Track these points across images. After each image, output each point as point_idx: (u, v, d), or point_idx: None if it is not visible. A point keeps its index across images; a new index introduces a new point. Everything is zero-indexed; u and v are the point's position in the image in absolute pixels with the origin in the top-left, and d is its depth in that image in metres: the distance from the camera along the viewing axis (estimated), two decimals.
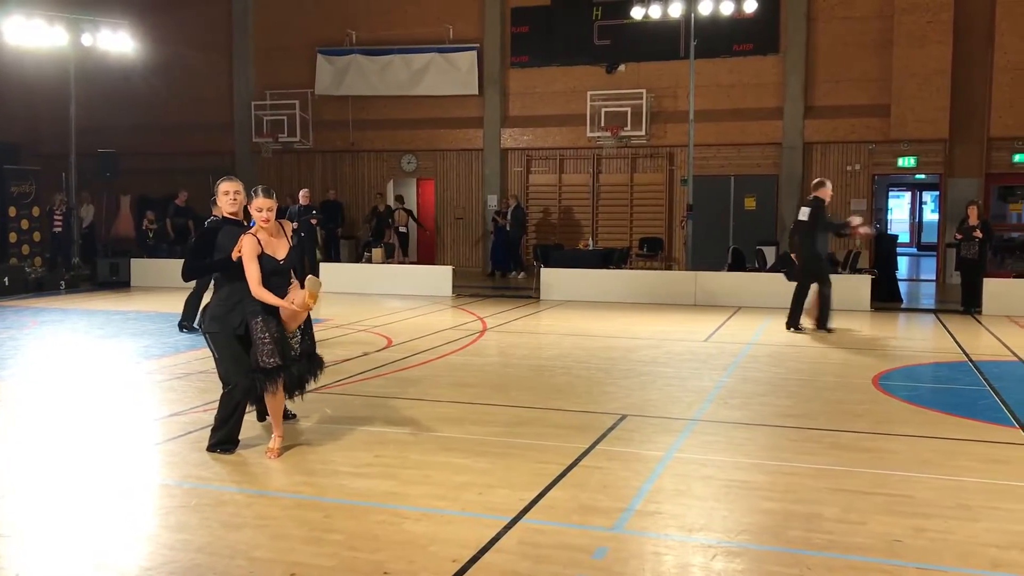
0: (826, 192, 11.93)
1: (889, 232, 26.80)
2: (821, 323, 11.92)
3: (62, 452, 6.15)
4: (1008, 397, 7.96)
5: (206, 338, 6.16)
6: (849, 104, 19.69)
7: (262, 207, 5.86)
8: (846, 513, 4.96)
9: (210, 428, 6.20)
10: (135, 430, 6.78)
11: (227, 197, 6.19)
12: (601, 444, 6.35)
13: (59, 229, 19.10)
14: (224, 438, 6.10)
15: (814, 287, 11.96)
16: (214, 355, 6.16)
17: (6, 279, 16.57)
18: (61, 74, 19.53)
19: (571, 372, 9.13)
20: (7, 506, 5.04)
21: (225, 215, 6.28)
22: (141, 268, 18.29)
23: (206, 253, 6.18)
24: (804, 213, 11.95)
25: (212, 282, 6.32)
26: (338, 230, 21.80)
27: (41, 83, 21.36)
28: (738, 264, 16.96)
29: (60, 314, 13.92)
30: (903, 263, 24.95)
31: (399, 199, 21.91)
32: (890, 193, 30.96)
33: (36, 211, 19.07)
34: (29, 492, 5.29)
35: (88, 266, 18.73)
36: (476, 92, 22.05)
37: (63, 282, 17.63)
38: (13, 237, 18.53)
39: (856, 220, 12.43)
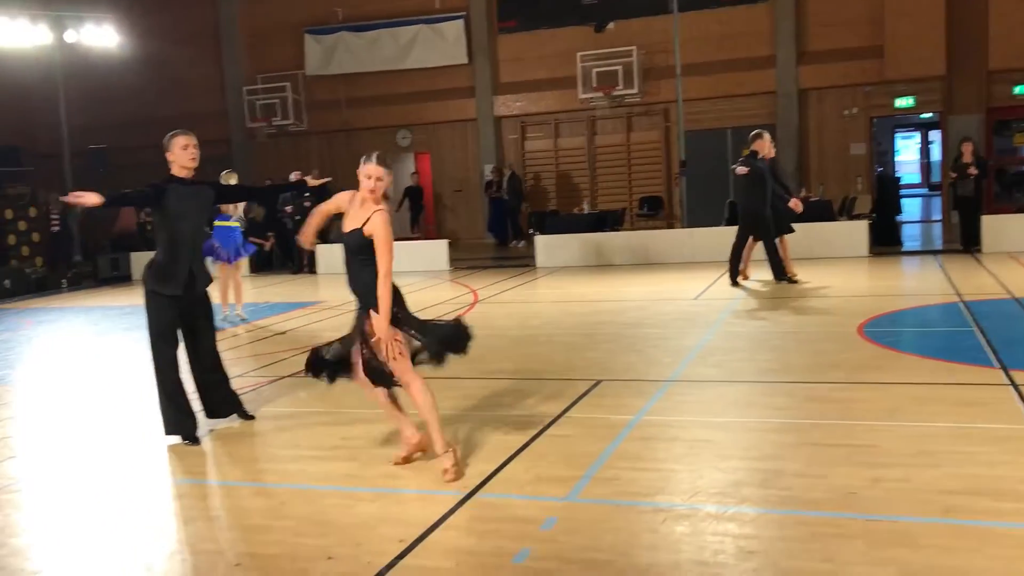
0: (762, 144, 11.62)
1: (895, 175, 26.52)
2: (778, 274, 11.80)
3: (26, 451, 6.18)
4: (993, 336, 7.81)
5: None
6: (842, 47, 19.33)
7: (371, 174, 5.00)
8: (807, 467, 4.89)
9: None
10: (97, 427, 6.80)
11: (186, 152, 5.91)
12: (571, 411, 6.29)
13: (57, 228, 19.21)
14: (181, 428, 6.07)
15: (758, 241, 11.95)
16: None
17: (7, 281, 16.71)
18: (50, 73, 19.55)
19: (553, 340, 9.08)
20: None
21: (174, 173, 5.95)
22: (140, 261, 18.30)
23: (134, 198, 6.11)
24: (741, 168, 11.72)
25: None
26: None
27: (32, 84, 21.38)
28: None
29: (58, 313, 14.03)
30: (912, 205, 24.64)
31: (414, 176, 21.87)
32: (897, 134, 30.50)
33: (33, 212, 19.15)
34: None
35: (89, 263, 18.85)
36: (465, 61, 21.87)
37: (64, 281, 17.76)
38: (12, 239, 18.65)
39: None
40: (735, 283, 11.95)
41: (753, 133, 11.85)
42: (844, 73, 19.42)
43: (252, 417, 6.60)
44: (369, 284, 5.02)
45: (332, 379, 5.37)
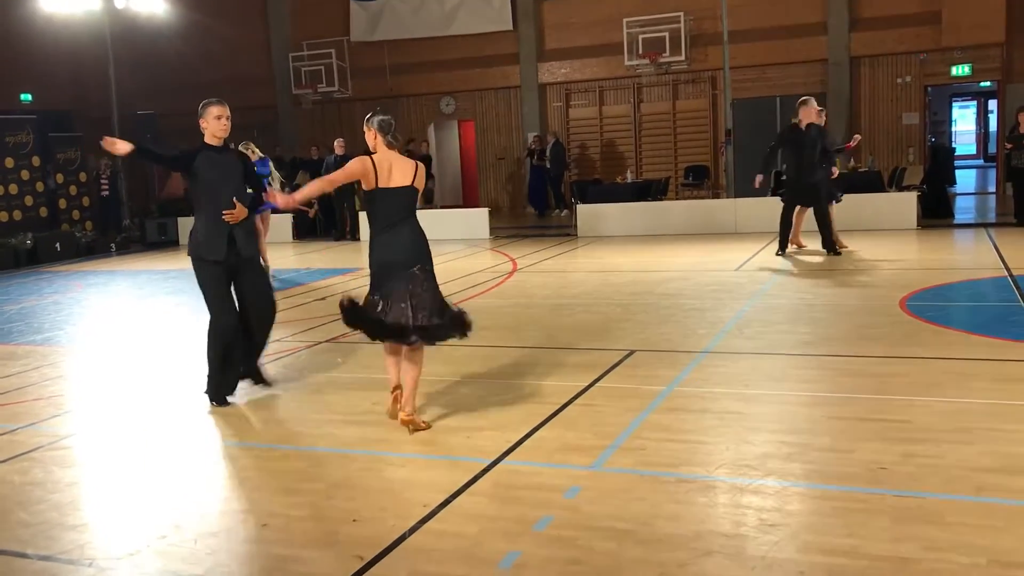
0: (807, 112, 11.55)
1: (951, 145, 25.84)
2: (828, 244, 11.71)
3: (72, 409, 6.36)
4: None
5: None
6: (897, 14, 18.80)
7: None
8: (835, 442, 4.84)
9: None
10: (140, 388, 6.95)
11: (219, 122, 6.02)
12: (602, 381, 6.29)
13: (106, 193, 19.56)
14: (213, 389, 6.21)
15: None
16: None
17: (58, 244, 17.10)
18: (100, 39, 19.81)
19: (590, 310, 9.05)
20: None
21: (207, 141, 6.07)
22: (187, 227, 18.57)
23: (163, 158, 6.39)
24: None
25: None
26: None
27: (83, 50, 21.66)
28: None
29: (107, 276, 14.34)
30: (967, 176, 24.02)
31: (423, 144, 21.92)
32: (953, 103, 29.66)
33: (83, 176, 19.52)
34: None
35: (137, 228, 19.20)
36: (510, 27, 21.68)
37: (113, 245, 18.12)
38: (63, 203, 19.03)
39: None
40: (783, 252, 11.84)
41: (800, 100, 11.78)
42: (898, 40, 18.91)
43: (269, 384, 6.59)
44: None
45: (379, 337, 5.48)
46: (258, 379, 6.55)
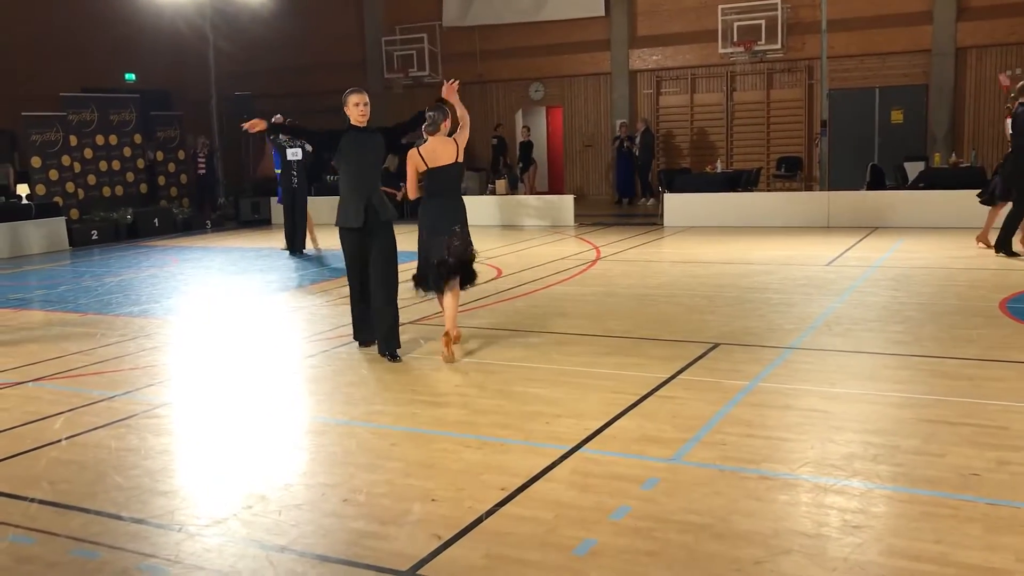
0: None
1: None
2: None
3: (167, 380, 6.60)
4: None
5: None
6: (1008, 2, 18.01)
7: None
8: (925, 444, 4.69)
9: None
10: (232, 360, 7.16)
11: (357, 108, 6.69)
12: (684, 374, 6.22)
13: (203, 171, 20.16)
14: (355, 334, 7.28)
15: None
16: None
17: (156, 220, 17.73)
18: (200, 21, 20.39)
19: (673, 300, 8.96)
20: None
21: (353, 124, 6.74)
22: (279, 206, 19.03)
23: (309, 134, 7.73)
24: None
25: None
26: None
27: (183, 31, 22.34)
28: (877, 182, 16.02)
29: (202, 252, 14.79)
30: None
31: (526, 130, 21.92)
32: None
33: (182, 154, 20.14)
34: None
35: (232, 206, 19.75)
36: (602, 13, 21.53)
37: (208, 222, 18.68)
38: (162, 180, 19.68)
39: None
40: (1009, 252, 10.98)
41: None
42: (1009, 30, 18.13)
43: (399, 359, 6.89)
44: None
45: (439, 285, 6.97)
46: (393, 355, 6.94)
